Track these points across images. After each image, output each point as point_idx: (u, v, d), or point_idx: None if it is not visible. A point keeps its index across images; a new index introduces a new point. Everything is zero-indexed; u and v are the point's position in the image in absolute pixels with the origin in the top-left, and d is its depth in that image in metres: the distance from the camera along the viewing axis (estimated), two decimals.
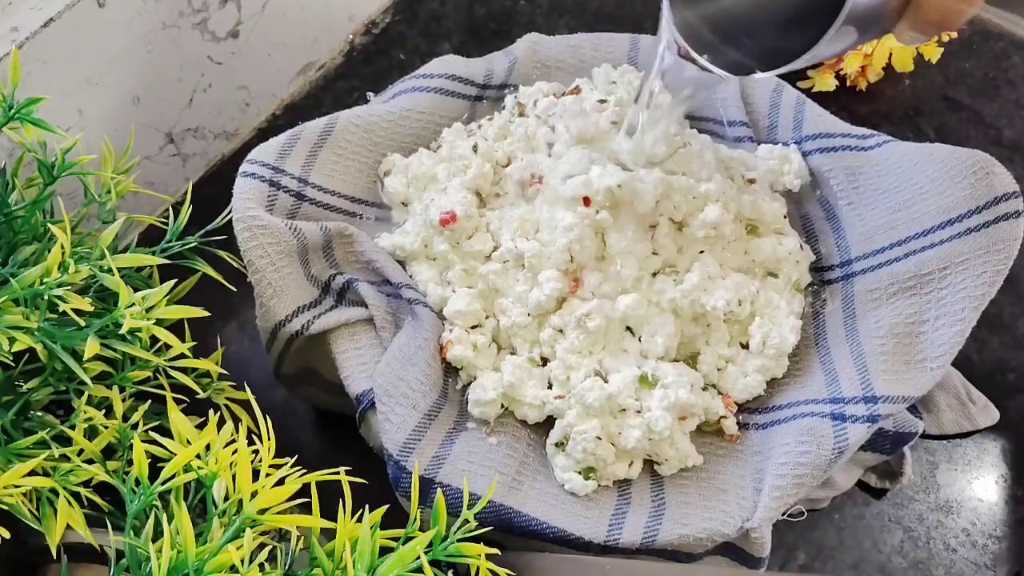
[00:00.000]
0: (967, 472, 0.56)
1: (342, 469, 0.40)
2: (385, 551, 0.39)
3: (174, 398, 0.43)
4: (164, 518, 0.37)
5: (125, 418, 0.45)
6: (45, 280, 0.42)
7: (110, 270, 0.43)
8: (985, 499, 0.56)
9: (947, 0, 0.37)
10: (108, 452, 0.44)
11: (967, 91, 0.71)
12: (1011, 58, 0.73)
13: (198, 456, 0.39)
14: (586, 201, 0.51)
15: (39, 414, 0.45)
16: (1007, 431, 0.57)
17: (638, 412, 0.49)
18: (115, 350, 0.44)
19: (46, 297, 0.42)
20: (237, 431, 0.40)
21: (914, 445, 0.52)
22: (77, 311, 0.42)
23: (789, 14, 0.44)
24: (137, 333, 0.44)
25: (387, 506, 0.41)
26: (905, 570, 0.54)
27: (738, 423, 0.51)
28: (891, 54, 0.69)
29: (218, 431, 0.40)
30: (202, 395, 0.50)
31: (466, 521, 0.40)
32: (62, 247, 0.42)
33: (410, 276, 0.53)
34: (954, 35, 0.69)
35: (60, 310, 0.42)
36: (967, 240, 0.48)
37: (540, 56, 0.61)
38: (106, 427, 0.44)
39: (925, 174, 0.50)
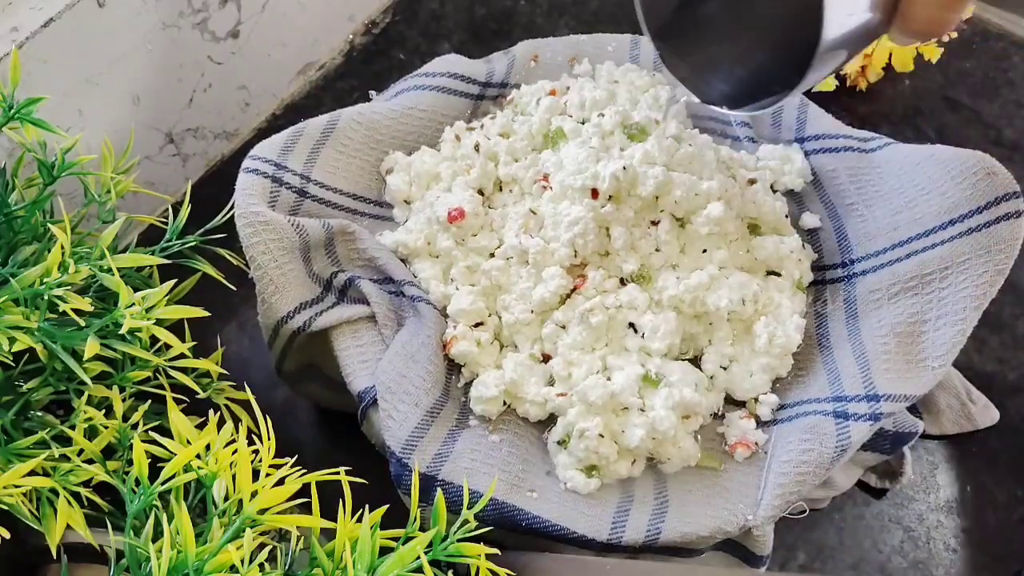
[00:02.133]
0: (967, 472, 0.56)
1: (342, 469, 0.40)
2: (385, 551, 0.39)
3: (174, 398, 0.43)
4: (164, 518, 0.37)
5: (125, 418, 0.45)
6: (45, 280, 0.42)
7: (110, 270, 0.43)
8: (985, 499, 0.56)
9: (932, 11, 0.38)
10: (108, 452, 0.44)
11: (967, 91, 0.71)
12: (1011, 58, 0.73)
13: (198, 456, 0.39)
14: (594, 193, 0.51)
15: (39, 414, 0.45)
16: (1007, 431, 0.57)
17: (641, 410, 0.49)
18: (115, 350, 0.44)
19: (46, 297, 0.42)
20: (237, 431, 0.40)
21: (914, 445, 0.52)
22: (77, 311, 0.42)
23: (766, 57, 0.46)
24: (137, 333, 0.44)
25: (387, 506, 0.41)
26: (905, 570, 0.54)
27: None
28: (891, 54, 0.69)
29: (218, 431, 0.40)
30: (202, 395, 0.50)
31: (466, 521, 0.40)
32: (62, 247, 0.42)
33: (413, 274, 0.53)
34: (954, 35, 0.69)
35: (60, 310, 0.42)
36: (968, 240, 0.48)
37: (540, 56, 0.61)
38: (106, 427, 0.44)
39: (927, 175, 0.51)
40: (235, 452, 0.39)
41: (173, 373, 0.47)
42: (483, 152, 0.56)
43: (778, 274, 0.54)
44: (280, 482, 0.39)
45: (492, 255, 0.53)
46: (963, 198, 0.49)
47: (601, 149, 0.53)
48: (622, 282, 0.52)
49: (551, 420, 0.50)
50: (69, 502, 0.41)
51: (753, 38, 0.47)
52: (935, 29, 0.39)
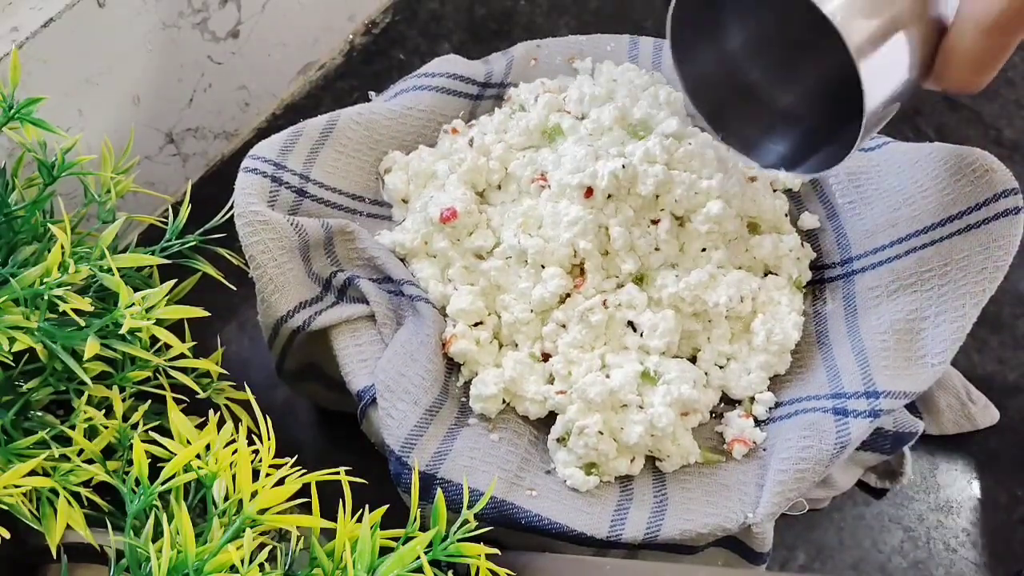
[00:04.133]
0: (967, 472, 0.56)
1: (342, 469, 0.40)
2: (385, 551, 0.39)
3: (174, 398, 0.43)
4: (164, 518, 0.37)
5: (125, 418, 0.45)
6: (45, 280, 0.42)
7: (110, 270, 0.43)
8: (985, 499, 0.56)
9: (965, 75, 0.43)
10: (108, 452, 0.44)
11: None
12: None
13: (198, 456, 0.39)
14: (588, 192, 0.51)
15: (39, 414, 0.45)
16: (1007, 431, 0.57)
17: (640, 408, 0.49)
18: (115, 350, 0.44)
19: (46, 297, 0.42)
20: (237, 431, 0.40)
21: (914, 445, 0.52)
22: (77, 311, 0.42)
23: (818, 120, 0.49)
24: (137, 333, 0.44)
25: (387, 506, 0.41)
26: (905, 570, 0.54)
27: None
28: None
29: (218, 431, 0.40)
30: (202, 395, 0.50)
31: (466, 521, 0.40)
32: (62, 247, 0.42)
33: (411, 273, 0.53)
34: None
35: (60, 310, 0.42)
36: (967, 237, 0.48)
37: (539, 57, 0.61)
38: (106, 427, 0.44)
39: (925, 172, 0.51)
40: (235, 452, 0.39)
41: (173, 373, 0.47)
42: (476, 147, 0.55)
43: (776, 273, 0.54)
44: (280, 482, 0.39)
45: (490, 253, 0.53)
46: (962, 195, 0.49)
47: (599, 147, 0.53)
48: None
49: (550, 419, 0.50)
50: (69, 502, 0.41)
51: (801, 105, 0.50)
52: (968, 89, 0.44)
